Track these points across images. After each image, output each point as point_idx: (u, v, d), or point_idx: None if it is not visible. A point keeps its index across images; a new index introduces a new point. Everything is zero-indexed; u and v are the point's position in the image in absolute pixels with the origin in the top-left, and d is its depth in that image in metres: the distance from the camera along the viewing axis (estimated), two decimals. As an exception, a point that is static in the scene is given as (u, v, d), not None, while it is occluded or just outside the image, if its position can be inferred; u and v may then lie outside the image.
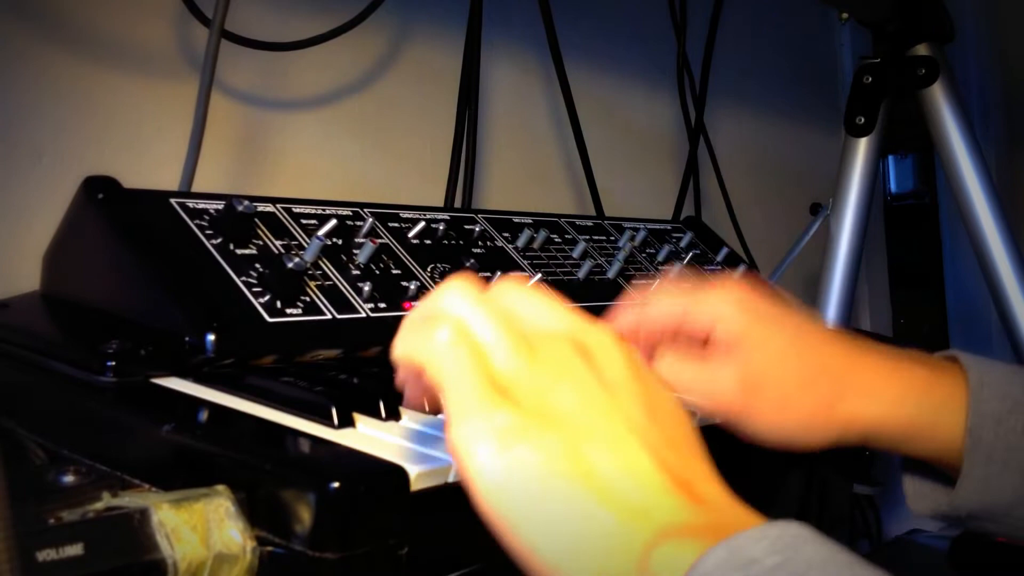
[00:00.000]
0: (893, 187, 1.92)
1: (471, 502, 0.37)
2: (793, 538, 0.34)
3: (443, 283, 0.42)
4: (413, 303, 0.69)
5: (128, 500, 0.41)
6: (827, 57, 1.94)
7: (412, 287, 0.69)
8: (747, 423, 0.54)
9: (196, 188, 0.78)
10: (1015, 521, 0.55)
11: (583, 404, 0.38)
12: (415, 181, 1.14)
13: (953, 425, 0.54)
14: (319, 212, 0.72)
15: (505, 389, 0.38)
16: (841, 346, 0.55)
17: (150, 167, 0.90)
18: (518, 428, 0.37)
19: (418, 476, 0.45)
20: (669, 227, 1.05)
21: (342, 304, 0.65)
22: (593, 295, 0.84)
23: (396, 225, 0.76)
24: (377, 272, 0.70)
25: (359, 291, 0.67)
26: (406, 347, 0.40)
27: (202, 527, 0.40)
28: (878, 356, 0.56)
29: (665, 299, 0.57)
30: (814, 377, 0.54)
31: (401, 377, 0.44)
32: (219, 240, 0.64)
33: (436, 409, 0.55)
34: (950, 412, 0.55)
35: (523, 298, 0.43)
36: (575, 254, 0.88)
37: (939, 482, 0.58)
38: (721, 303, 0.55)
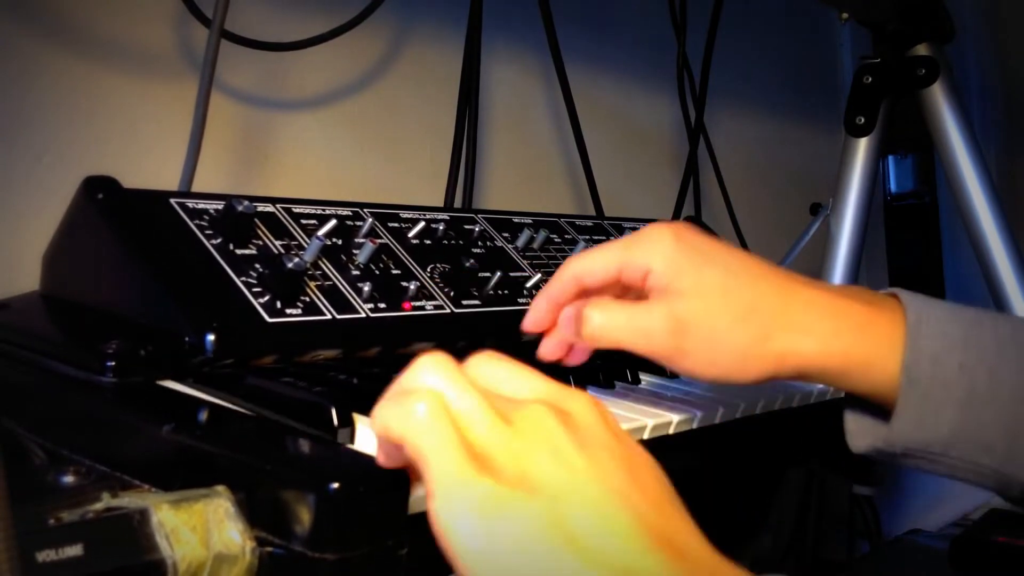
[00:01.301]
0: (893, 187, 1.92)
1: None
2: None
3: (416, 361, 0.42)
4: (413, 303, 0.69)
5: (128, 500, 0.41)
6: (827, 57, 1.94)
7: (412, 287, 0.69)
8: (680, 362, 0.54)
9: (196, 188, 0.78)
10: (952, 460, 0.54)
11: (562, 469, 0.38)
12: (415, 181, 1.14)
13: (889, 361, 0.54)
14: (319, 212, 0.72)
15: (485, 459, 0.38)
16: (775, 282, 0.55)
17: (150, 167, 0.90)
18: (499, 498, 0.37)
19: (418, 476, 0.45)
20: (669, 227, 1.05)
21: (342, 304, 0.65)
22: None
23: (396, 225, 0.76)
24: (377, 272, 0.70)
25: (359, 291, 0.67)
26: (385, 421, 0.41)
27: (202, 528, 0.40)
28: (813, 292, 0.56)
29: (601, 253, 0.57)
30: (744, 314, 0.54)
31: (381, 451, 0.44)
32: (219, 240, 0.64)
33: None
34: (886, 348, 0.54)
35: (498, 369, 0.44)
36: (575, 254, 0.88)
37: (878, 419, 0.58)
38: (653, 247, 0.55)
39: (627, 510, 0.38)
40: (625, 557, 0.36)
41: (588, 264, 0.58)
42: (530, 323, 0.60)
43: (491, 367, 0.44)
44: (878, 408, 0.57)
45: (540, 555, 0.36)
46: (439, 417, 0.39)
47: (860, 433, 0.59)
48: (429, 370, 0.41)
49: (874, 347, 0.55)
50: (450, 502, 0.37)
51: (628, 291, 0.59)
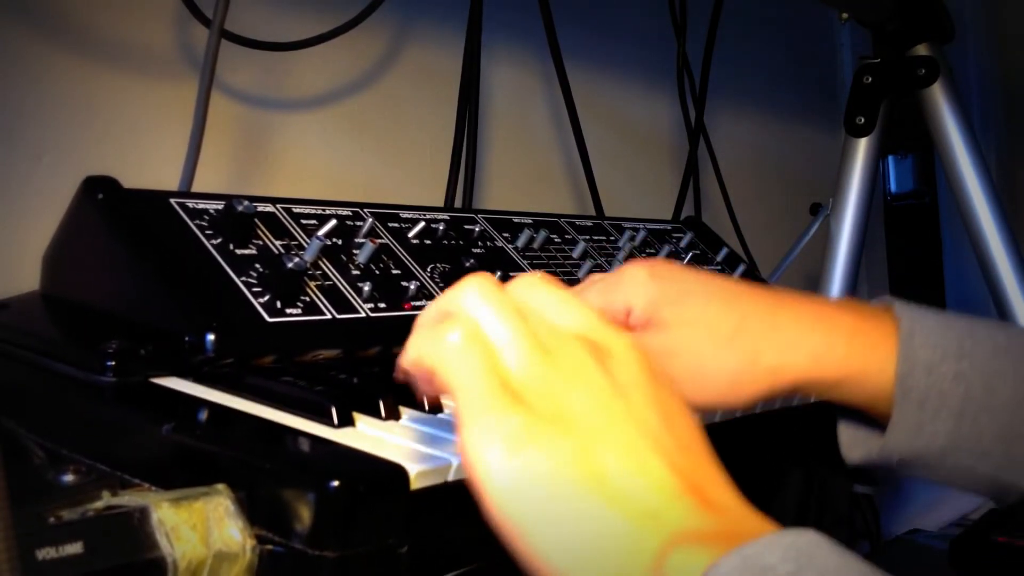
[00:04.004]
0: (893, 187, 1.92)
1: (479, 505, 0.37)
2: (807, 545, 0.34)
3: (461, 280, 0.41)
4: (413, 303, 0.69)
5: (128, 499, 0.41)
6: (827, 57, 1.94)
7: (412, 287, 0.69)
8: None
9: (196, 188, 0.78)
10: (947, 469, 0.54)
11: (596, 408, 0.38)
12: (415, 181, 1.14)
13: (883, 373, 0.54)
14: (319, 212, 0.72)
15: (517, 392, 0.38)
16: (759, 302, 0.55)
17: (150, 167, 0.90)
18: (529, 431, 0.36)
19: (418, 475, 0.45)
20: (669, 227, 1.05)
21: (342, 304, 0.65)
22: (593, 295, 0.84)
23: (396, 225, 0.76)
24: (377, 272, 0.70)
25: (359, 291, 0.67)
26: (418, 349, 0.40)
27: (202, 526, 0.40)
28: (800, 306, 0.55)
29: (581, 299, 0.57)
30: (730, 338, 0.54)
31: (413, 379, 0.43)
32: (219, 240, 0.64)
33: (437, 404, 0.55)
34: (880, 360, 0.54)
35: (540, 295, 0.42)
36: (575, 254, 0.88)
37: (873, 430, 0.57)
38: (631, 287, 0.55)
39: (658, 454, 0.37)
40: (652, 501, 0.36)
41: None
42: None
43: (537, 292, 0.42)
44: (872, 419, 0.57)
45: (566, 493, 0.36)
46: (473, 347, 0.38)
47: (854, 444, 0.58)
48: (471, 291, 0.40)
49: (867, 358, 0.54)
50: (479, 434, 0.37)
51: None
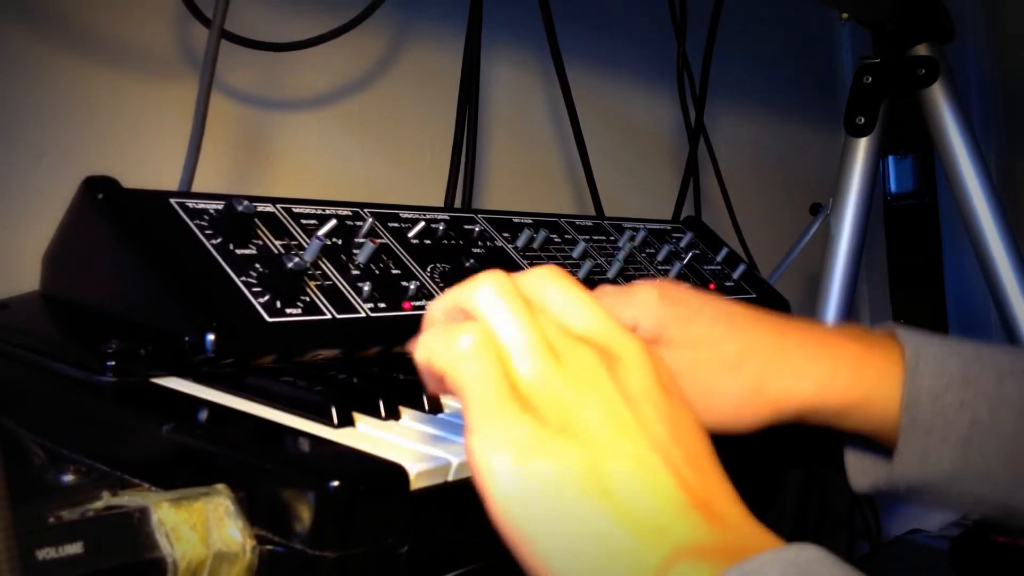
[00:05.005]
0: (893, 187, 1.92)
1: (484, 510, 0.37)
2: (808, 561, 0.34)
3: (476, 276, 0.40)
4: (413, 303, 0.69)
5: (128, 499, 0.41)
6: (827, 57, 1.94)
7: (412, 287, 0.69)
8: None
9: (196, 188, 0.78)
10: (954, 495, 0.54)
11: (605, 419, 0.38)
12: (415, 181, 1.14)
13: (889, 400, 0.54)
14: (319, 212, 0.72)
15: (527, 399, 0.38)
16: (766, 328, 0.55)
17: (150, 167, 0.90)
18: (538, 441, 0.36)
19: (418, 475, 0.45)
20: (669, 227, 1.05)
21: (342, 304, 0.65)
22: (593, 295, 0.84)
23: (396, 225, 0.76)
24: (377, 272, 0.70)
25: (359, 291, 0.67)
26: (428, 350, 0.40)
27: (202, 526, 0.40)
28: (806, 334, 0.55)
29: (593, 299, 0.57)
30: (736, 363, 0.53)
31: (425, 379, 0.43)
32: (219, 240, 0.64)
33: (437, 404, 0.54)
34: (885, 387, 0.54)
35: (554, 291, 0.42)
36: (575, 254, 0.88)
37: (880, 457, 0.57)
38: (639, 305, 0.55)
39: (667, 468, 0.37)
40: (659, 516, 0.36)
41: None
42: None
43: (551, 288, 0.42)
44: (878, 445, 0.57)
45: (572, 504, 0.36)
46: (484, 352, 0.38)
47: (862, 472, 0.58)
48: (485, 289, 0.40)
49: (873, 386, 0.54)
50: (487, 440, 0.37)
51: None
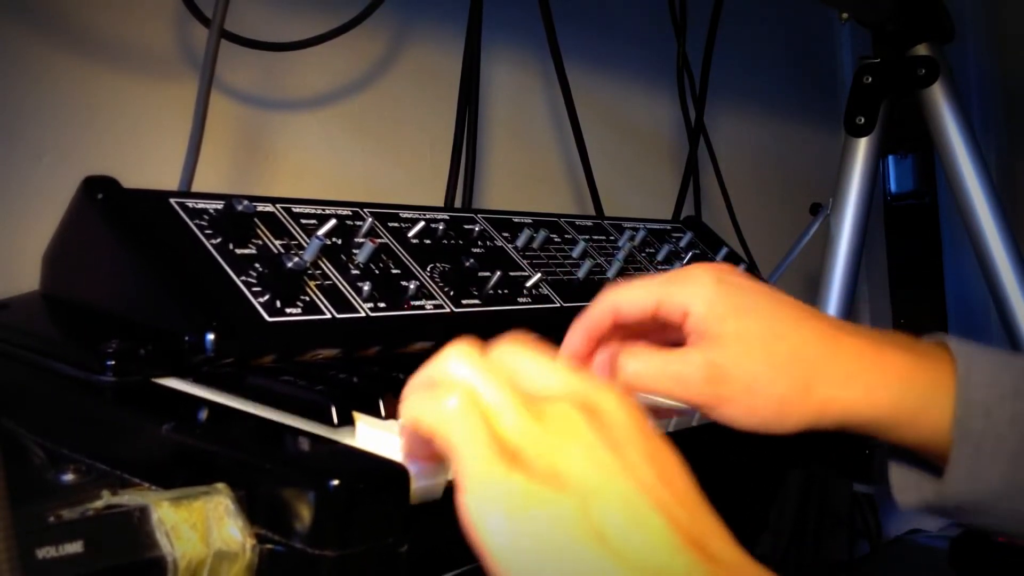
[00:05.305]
0: (893, 187, 1.92)
1: (482, 566, 0.37)
2: None
3: (444, 350, 0.42)
4: (413, 303, 0.69)
5: (128, 498, 0.41)
6: (827, 57, 1.94)
7: (412, 287, 0.69)
8: (717, 410, 0.53)
9: (196, 188, 0.78)
10: (1002, 513, 0.53)
11: (592, 465, 0.38)
12: (415, 181, 1.14)
13: (939, 413, 0.53)
14: (319, 212, 0.72)
15: (515, 453, 0.38)
16: (818, 330, 0.54)
17: (150, 167, 0.90)
18: (529, 494, 0.37)
19: (418, 474, 0.45)
20: (669, 227, 1.05)
21: (342, 304, 0.65)
22: (593, 295, 0.84)
23: (396, 225, 0.76)
24: (377, 272, 0.70)
25: (359, 291, 0.67)
26: (414, 412, 0.40)
27: (202, 525, 0.41)
28: (858, 341, 0.54)
29: (639, 288, 0.56)
30: (785, 363, 0.52)
31: (407, 442, 0.44)
32: (219, 240, 0.64)
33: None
34: (935, 400, 0.53)
35: (525, 359, 0.43)
36: (575, 254, 0.88)
37: (925, 472, 0.56)
38: (693, 290, 0.54)
39: (658, 509, 0.38)
40: (656, 557, 0.36)
41: (626, 296, 0.56)
42: (565, 353, 0.58)
43: (519, 358, 0.43)
44: (924, 462, 0.56)
45: (569, 552, 0.36)
46: (471, 411, 0.39)
47: (908, 488, 0.57)
48: (458, 361, 0.41)
49: (922, 399, 0.53)
50: (481, 497, 0.37)
51: (663, 329, 0.57)
